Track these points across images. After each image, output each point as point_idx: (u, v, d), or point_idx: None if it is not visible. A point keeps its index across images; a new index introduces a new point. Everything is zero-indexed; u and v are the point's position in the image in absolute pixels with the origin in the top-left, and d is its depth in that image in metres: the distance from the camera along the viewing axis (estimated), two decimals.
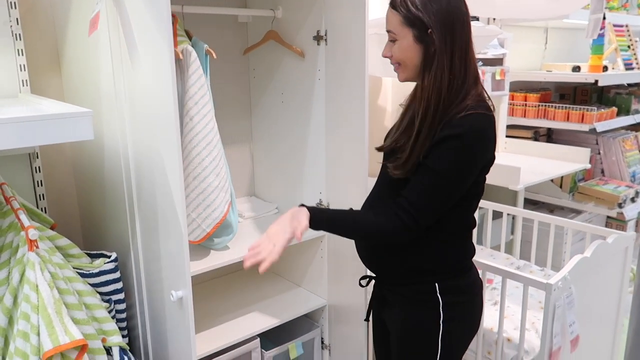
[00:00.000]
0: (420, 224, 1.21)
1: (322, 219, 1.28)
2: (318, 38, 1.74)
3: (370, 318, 1.56)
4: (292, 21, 1.83)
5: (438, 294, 1.29)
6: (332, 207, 1.82)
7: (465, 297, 1.35)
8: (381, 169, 1.40)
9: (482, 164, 1.24)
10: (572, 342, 1.70)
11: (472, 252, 1.39)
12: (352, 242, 1.48)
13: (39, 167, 1.64)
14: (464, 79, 1.20)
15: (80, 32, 1.52)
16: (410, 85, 1.34)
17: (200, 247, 1.69)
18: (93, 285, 1.38)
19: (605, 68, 3.00)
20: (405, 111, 1.35)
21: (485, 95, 1.26)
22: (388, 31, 1.26)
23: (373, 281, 1.49)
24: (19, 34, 1.55)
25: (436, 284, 1.30)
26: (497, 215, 2.53)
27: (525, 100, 3.18)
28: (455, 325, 1.32)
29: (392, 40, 1.25)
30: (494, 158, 1.28)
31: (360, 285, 1.53)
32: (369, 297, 1.54)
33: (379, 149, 1.39)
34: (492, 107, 1.25)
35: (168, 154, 1.27)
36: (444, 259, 1.32)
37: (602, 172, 3.34)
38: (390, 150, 1.34)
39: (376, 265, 1.42)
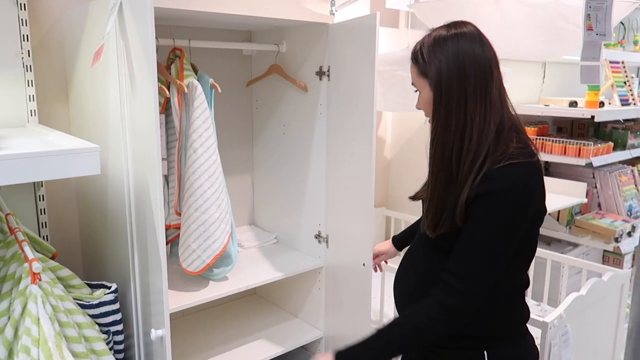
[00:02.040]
0: (476, 297, 1.09)
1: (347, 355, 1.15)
2: (320, 73, 1.78)
3: None
4: (296, 56, 1.88)
5: None
6: (331, 237, 1.84)
7: None
8: None
9: (530, 217, 1.11)
10: None
11: (527, 315, 1.27)
12: (352, 271, 1.45)
13: (42, 195, 1.67)
14: (483, 126, 1.10)
15: (89, 64, 1.56)
16: (410, 117, 1.33)
17: (200, 277, 1.70)
18: (92, 316, 1.38)
19: (601, 104, 3.05)
20: None
21: (529, 141, 1.16)
22: (412, 83, 1.23)
23: None
24: (30, 66, 1.59)
25: (485, 352, 1.17)
26: None
27: None
28: None
29: (417, 91, 1.22)
30: (544, 209, 1.16)
31: None
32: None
33: (412, 198, 1.32)
34: (535, 153, 1.14)
35: (152, 189, 1.29)
36: (495, 323, 1.19)
37: (599, 205, 3.37)
38: (422, 200, 1.27)
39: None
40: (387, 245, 1.72)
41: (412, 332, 1.12)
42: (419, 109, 1.24)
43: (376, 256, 1.72)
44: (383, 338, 1.14)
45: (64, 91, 1.74)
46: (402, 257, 1.38)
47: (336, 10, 2.21)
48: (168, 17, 1.62)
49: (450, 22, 1.18)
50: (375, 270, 1.74)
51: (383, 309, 2.08)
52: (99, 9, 1.43)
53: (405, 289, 1.31)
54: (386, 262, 1.77)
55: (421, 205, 1.28)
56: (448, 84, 1.11)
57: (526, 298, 2.37)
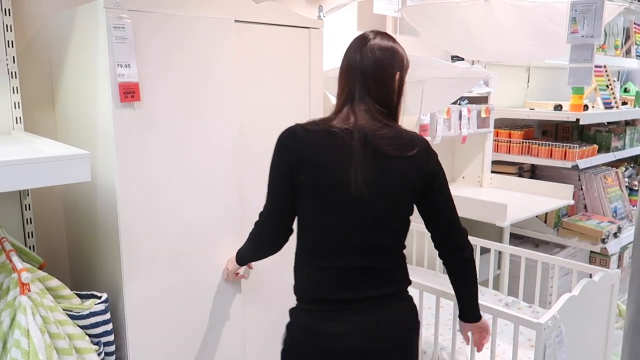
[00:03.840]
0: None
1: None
2: None
3: None
4: None
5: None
6: None
7: None
8: None
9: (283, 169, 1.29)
10: None
11: None
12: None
13: (29, 204, 1.63)
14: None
15: (77, 69, 1.53)
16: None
17: None
18: (83, 327, 1.35)
19: (585, 107, 3.10)
20: None
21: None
22: None
23: None
24: (15, 72, 1.56)
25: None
26: (484, 250, 2.56)
27: (510, 137, 3.26)
28: None
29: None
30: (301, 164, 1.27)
31: None
32: None
33: None
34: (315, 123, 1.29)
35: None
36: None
37: (585, 207, 3.41)
38: None
39: None
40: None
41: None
42: None
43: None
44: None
45: (50, 98, 1.71)
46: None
47: (324, 16, 2.22)
48: None
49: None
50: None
51: None
52: (86, 14, 1.40)
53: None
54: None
55: None
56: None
57: (518, 299, 2.41)
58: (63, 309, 1.31)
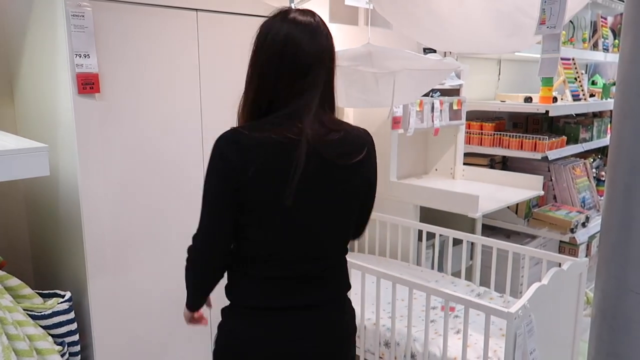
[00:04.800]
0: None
1: None
2: None
3: None
4: None
5: None
6: None
7: None
8: None
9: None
10: None
11: None
12: None
13: None
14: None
15: (36, 59, 1.47)
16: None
17: None
18: (45, 327, 1.30)
19: (555, 99, 3.15)
20: None
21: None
22: None
23: None
24: None
25: None
26: (456, 242, 2.58)
27: (481, 129, 3.28)
28: None
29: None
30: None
31: None
32: None
33: None
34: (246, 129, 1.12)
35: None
36: None
37: (555, 198, 3.47)
38: None
39: None
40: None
41: None
42: None
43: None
44: None
45: (9, 90, 1.64)
46: None
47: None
48: None
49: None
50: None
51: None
52: (43, 3, 1.35)
53: None
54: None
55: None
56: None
57: (489, 289, 2.44)
58: (24, 309, 1.26)
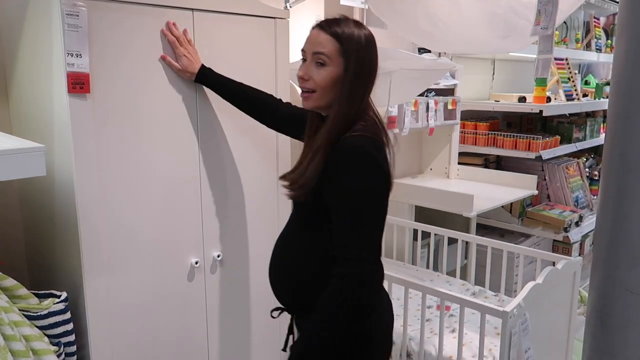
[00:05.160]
0: (366, 261, 1.15)
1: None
2: None
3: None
4: None
5: None
6: None
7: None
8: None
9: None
10: None
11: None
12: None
13: None
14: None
15: (31, 58, 1.46)
16: None
17: None
18: (41, 327, 1.30)
19: (548, 99, 3.17)
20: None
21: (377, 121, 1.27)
22: (319, 53, 1.21)
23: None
24: None
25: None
26: (451, 241, 2.59)
27: (476, 129, 3.30)
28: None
29: (321, 64, 1.21)
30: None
31: (272, 317, 1.43)
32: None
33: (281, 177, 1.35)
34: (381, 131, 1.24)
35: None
36: None
37: (548, 197, 3.49)
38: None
39: (291, 298, 1.36)
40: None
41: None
42: (304, 78, 1.24)
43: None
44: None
45: (4, 90, 1.63)
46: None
47: (290, 7, 2.19)
48: None
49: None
50: None
51: None
52: (39, 1, 1.34)
53: None
54: None
55: None
56: (356, 72, 1.22)
57: (484, 288, 2.45)
58: (20, 310, 1.26)
